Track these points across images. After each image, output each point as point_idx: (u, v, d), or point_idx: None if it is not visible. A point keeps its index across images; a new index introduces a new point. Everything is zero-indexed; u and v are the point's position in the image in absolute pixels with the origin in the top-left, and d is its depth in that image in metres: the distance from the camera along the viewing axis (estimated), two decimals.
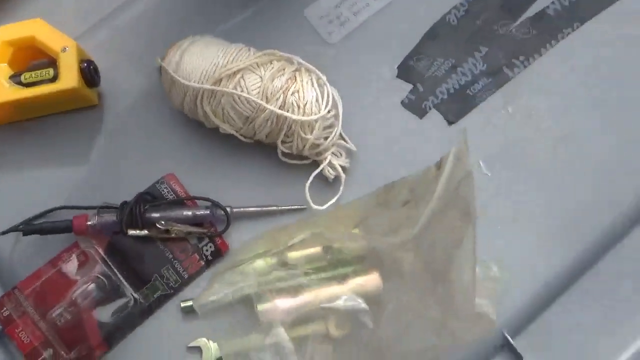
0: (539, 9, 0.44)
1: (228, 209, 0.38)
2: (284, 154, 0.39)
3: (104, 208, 0.38)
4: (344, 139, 0.40)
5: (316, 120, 0.37)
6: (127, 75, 0.42)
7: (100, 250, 0.38)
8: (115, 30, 0.43)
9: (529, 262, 0.40)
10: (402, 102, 0.42)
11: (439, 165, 0.29)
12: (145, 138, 0.41)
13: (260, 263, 0.33)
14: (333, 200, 0.38)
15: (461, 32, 0.44)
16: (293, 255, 0.32)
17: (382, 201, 0.33)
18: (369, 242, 0.31)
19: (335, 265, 0.31)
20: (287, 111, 0.36)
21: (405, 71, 0.43)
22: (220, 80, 0.36)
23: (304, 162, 0.39)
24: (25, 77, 0.39)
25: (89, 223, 0.37)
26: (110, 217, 0.38)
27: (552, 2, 0.44)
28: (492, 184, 0.41)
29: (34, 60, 0.40)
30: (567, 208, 0.41)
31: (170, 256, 0.38)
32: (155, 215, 0.38)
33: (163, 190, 0.39)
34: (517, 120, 0.42)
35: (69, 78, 0.38)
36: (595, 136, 0.42)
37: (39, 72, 0.39)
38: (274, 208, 0.39)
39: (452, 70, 0.43)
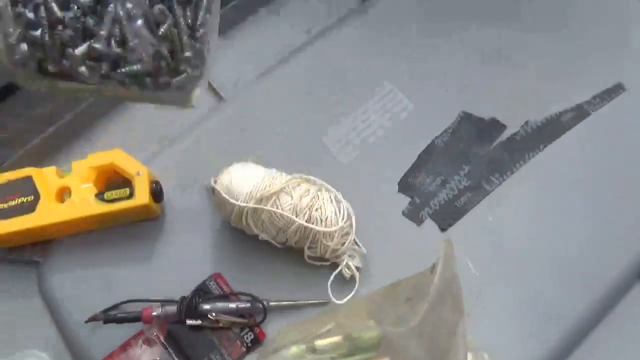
0: (509, 135, 0.55)
1: (265, 303, 0.47)
2: (309, 257, 0.49)
3: (167, 301, 0.47)
4: (357, 244, 0.50)
5: (335, 231, 0.47)
6: (184, 192, 0.53)
7: (161, 337, 0.47)
8: (174, 157, 0.54)
9: (516, 349, 0.48)
10: (403, 212, 0.52)
11: (432, 269, 0.39)
12: (198, 243, 0.51)
13: (293, 349, 0.41)
14: (350, 295, 0.48)
15: (448, 154, 0.55)
16: (320, 343, 0.40)
17: (390, 296, 0.42)
18: (381, 331, 0.39)
19: (354, 351, 0.39)
20: (313, 224, 0.46)
21: (404, 186, 0.54)
22: (261, 199, 0.46)
23: (325, 263, 0.49)
24: (107, 195, 0.49)
25: (155, 314, 0.46)
26: (171, 309, 0.47)
27: (519, 130, 0.56)
28: (480, 281, 0.50)
29: (112, 179, 0.51)
30: (548, 299, 0.49)
31: (217, 343, 0.47)
32: (207, 307, 0.47)
33: (211, 286, 0.49)
34: (497, 226, 0.52)
35: (142, 196, 0.49)
36: (566, 235, 0.51)
37: (118, 191, 0.49)
38: (303, 302, 0.48)
39: (442, 185, 0.53)
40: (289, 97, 0.57)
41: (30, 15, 0.35)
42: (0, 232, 0.49)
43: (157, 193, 0.50)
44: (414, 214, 0.52)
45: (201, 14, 0.38)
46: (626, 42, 0.60)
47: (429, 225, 0.52)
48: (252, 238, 0.49)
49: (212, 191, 0.49)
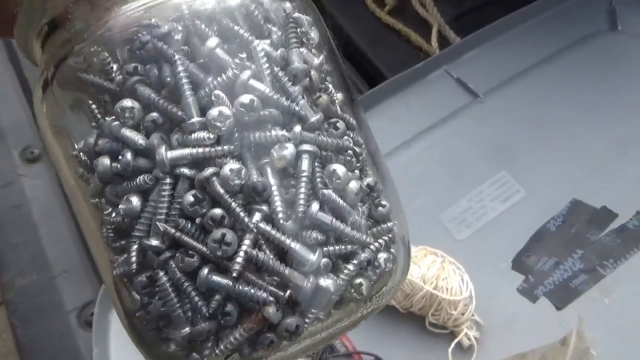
0: (621, 223, 0.58)
1: None
2: (430, 324, 0.52)
3: None
4: (474, 316, 0.52)
5: (460, 300, 0.50)
6: None
7: None
8: None
9: None
10: (518, 289, 0.55)
11: (564, 342, 0.41)
12: None
13: None
14: None
15: (560, 237, 0.58)
16: None
17: None
18: None
19: None
20: (439, 292, 0.50)
21: (518, 264, 0.57)
22: None
23: (444, 331, 0.52)
24: None
25: None
26: None
27: (631, 219, 0.58)
28: None
29: None
30: None
31: None
32: None
33: (337, 344, 0.52)
34: (614, 310, 0.53)
35: None
36: None
37: None
38: None
39: (555, 266, 0.56)
40: (409, 179, 0.63)
41: None
42: None
43: None
44: (528, 291, 0.55)
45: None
46: None
47: (544, 303, 0.54)
48: None
49: None
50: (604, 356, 0.51)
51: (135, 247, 0.25)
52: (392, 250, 0.28)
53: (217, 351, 0.25)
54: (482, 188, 0.62)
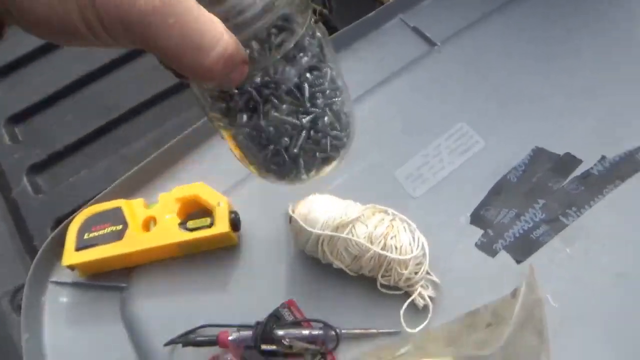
0: (584, 170, 0.55)
1: (337, 330, 0.48)
2: (382, 285, 0.49)
3: (242, 326, 0.48)
4: (429, 274, 0.49)
5: (410, 259, 0.47)
6: (260, 221, 0.55)
7: None
8: (252, 189, 0.57)
9: None
10: (476, 244, 0.52)
11: (514, 294, 0.38)
12: (272, 271, 0.52)
13: None
14: (423, 325, 0.47)
15: (521, 188, 0.54)
16: None
17: (469, 324, 0.42)
18: (460, 356, 0.39)
19: None
20: (387, 252, 0.47)
21: (477, 219, 0.53)
22: (337, 227, 0.48)
23: (398, 292, 0.49)
24: (190, 224, 0.52)
25: (230, 338, 0.47)
26: (246, 334, 0.48)
27: (595, 165, 0.55)
28: (560, 314, 0.48)
29: (194, 210, 0.54)
30: (631, 339, 0.47)
31: None
32: (281, 333, 0.47)
33: (285, 313, 0.49)
34: (576, 260, 0.50)
35: (222, 225, 0.51)
36: None
37: (199, 220, 0.52)
38: (374, 331, 0.48)
39: (516, 218, 0.53)
40: (362, 134, 0.59)
41: None
42: (92, 258, 0.53)
43: (235, 222, 0.52)
44: (487, 246, 0.52)
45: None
46: None
47: (504, 256, 0.51)
48: (325, 267, 0.50)
49: (289, 219, 0.50)
50: (566, 306, 0.48)
51: None
52: None
53: None
54: (440, 141, 0.58)
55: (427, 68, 0.63)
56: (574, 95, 0.59)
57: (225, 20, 0.26)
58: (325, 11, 0.33)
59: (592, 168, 0.55)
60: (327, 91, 0.33)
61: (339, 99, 0.34)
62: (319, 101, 0.32)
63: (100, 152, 0.64)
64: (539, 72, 0.60)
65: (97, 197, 0.57)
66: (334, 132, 0.35)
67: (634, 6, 0.64)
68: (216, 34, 0.25)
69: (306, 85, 0.32)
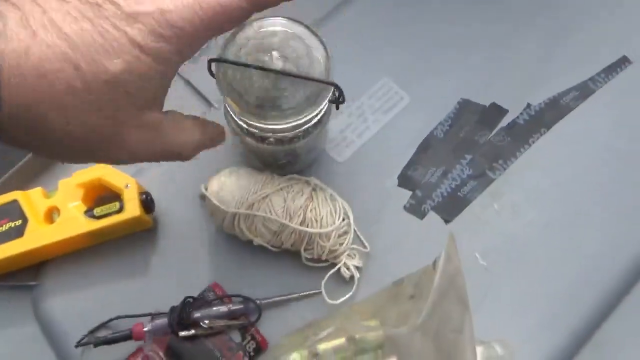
0: (510, 120, 0.53)
1: (257, 301, 0.46)
2: (306, 259, 0.47)
3: (157, 314, 0.45)
4: (361, 240, 0.47)
5: (331, 231, 0.45)
6: (175, 201, 0.51)
7: (161, 353, 0.45)
8: (164, 166, 0.52)
9: (529, 340, 0.45)
10: (405, 207, 0.50)
11: (434, 265, 0.36)
12: (192, 252, 0.49)
13: (295, 356, 0.39)
14: (347, 296, 0.45)
15: (448, 144, 0.52)
16: (322, 347, 0.38)
17: (393, 295, 0.40)
18: (385, 331, 0.37)
19: (359, 353, 0.37)
20: (307, 226, 0.44)
21: (404, 180, 0.51)
22: (253, 204, 0.45)
23: (324, 264, 0.47)
24: (97, 211, 0.48)
25: (145, 329, 0.44)
26: (162, 322, 0.45)
27: (521, 113, 0.53)
28: (489, 272, 0.47)
29: (100, 195, 0.50)
30: (560, 286, 0.47)
31: (219, 354, 0.45)
32: (198, 315, 0.45)
33: (209, 297, 0.47)
34: (504, 214, 0.49)
35: (132, 209, 0.47)
36: (576, 222, 0.49)
37: (107, 206, 0.48)
38: (295, 295, 0.46)
39: (443, 176, 0.51)
40: None
41: None
42: None
43: (147, 204, 0.48)
44: (416, 208, 0.50)
45: None
46: (629, 11, 0.57)
47: (433, 217, 0.49)
48: (247, 244, 0.47)
49: (204, 199, 0.47)
50: (495, 263, 0.48)
51: None
52: None
53: None
54: (363, 100, 0.55)
55: (341, 22, 0.58)
56: (498, 43, 0.56)
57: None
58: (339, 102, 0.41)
59: (517, 117, 0.53)
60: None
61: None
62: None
63: None
64: (461, 22, 0.57)
65: None
66: None
67: None
68: None
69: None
